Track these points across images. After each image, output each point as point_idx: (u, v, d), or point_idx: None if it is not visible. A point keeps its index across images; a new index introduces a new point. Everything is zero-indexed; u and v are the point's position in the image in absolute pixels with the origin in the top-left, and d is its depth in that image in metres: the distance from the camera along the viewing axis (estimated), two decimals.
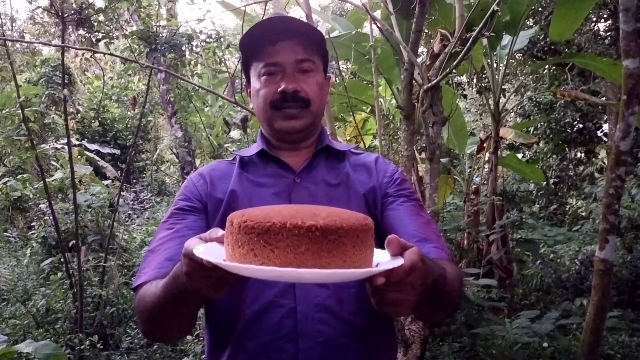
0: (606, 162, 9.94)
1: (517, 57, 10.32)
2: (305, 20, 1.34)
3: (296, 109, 1.24)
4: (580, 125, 10.10)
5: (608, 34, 9.22)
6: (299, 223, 0.71)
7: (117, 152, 11.62)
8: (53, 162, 6.95)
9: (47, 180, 4.75)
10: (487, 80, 6.11)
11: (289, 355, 1.13)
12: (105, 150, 10.98)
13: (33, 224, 7.48)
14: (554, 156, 10.67)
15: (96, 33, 5.03)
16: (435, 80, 3.48)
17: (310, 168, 1.29)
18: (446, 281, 1.00)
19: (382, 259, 0.80)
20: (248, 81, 1.33)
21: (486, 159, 6.42)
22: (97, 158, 9.52)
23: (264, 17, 1.30)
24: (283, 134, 1.28)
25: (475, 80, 9.13)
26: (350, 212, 0.83)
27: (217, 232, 0.83)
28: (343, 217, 0.75)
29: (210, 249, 0.79)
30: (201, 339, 3.85)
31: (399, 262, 0.75)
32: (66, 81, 4.82)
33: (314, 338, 1.13)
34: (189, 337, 4.10)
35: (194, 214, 1.24)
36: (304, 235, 0.71)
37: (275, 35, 1.23)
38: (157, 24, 5.28)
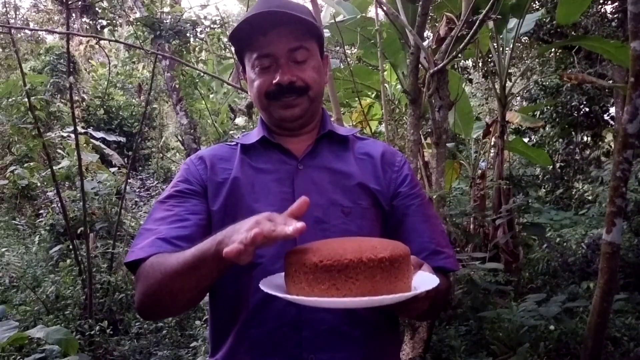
0: (613, 146, 9.88)
1: (523, 40, 10.23)
2: (297, 4, 1.31)
3: (293, 97, 1.22)
4: (587, 109, 10.03)
5: (615, 16, 9.13)
6: (372, 257, 0.85)
7: (123, 139, 11.63)
8: (59, 151, 6.98)
9: (54, 168, 4.77)
10: (493, 64, 6.07)
11: (293, 342, 1.13)
12: (111, 138, 10.99)
13: (41, 211, 7.51)
14: (560, 140, 10.62)
15: (100, 20, 5.01)
16: (441, 64, 3.46)
17: (314, 154, 1.27)
18: (438, 289, 1.09)
19: None
20: (244, 68, 1.30)
21: (492, 143, 6.40)
22: (102, 146, 9.55)
23: (255, 5, 1.26)
24: (282, 122, 1.26)
25: (481, 64, 9.07)
26: (388, 241, 0.95)
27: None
28: (393, 246, 0.89)
29: (270, 283, 0.93)
30: None
31: (434, 280, 0.92)
32: (71, 69, 4.82)
33: (318, 326, 1.14)
34: (197, 322, 4.14)
35: (194, 197, 1.22)
36: (377, 266, 0.84)
37: (265, 25, 1.19)
38: (161, 10, 5.25)
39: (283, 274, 0.95)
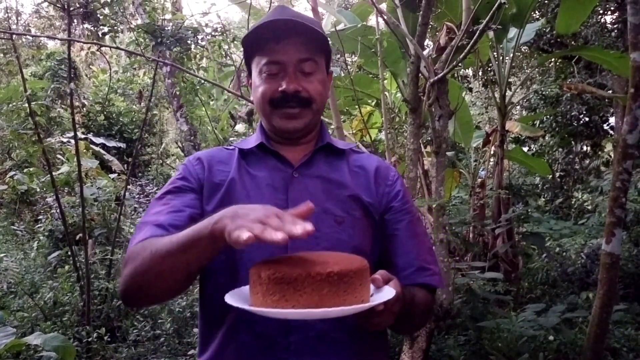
0: (612, 156, 9.89)
1: (523, 50, 10.26)
2: (310, 17, 1.32)
3: (297, 109, 1.23)
4: (587, 119, 10.04)
5: (615, 26, 9.15)
6: (320, 271, 0.88)
7: (123, 145, 11.61)
8: (59, 156, 6.98)
9: (53, 173, 4.77)
10: (493, 73, 6.09)
11: (281, 347, 1.14)
12: (111, 144, 10.97)
13: (40, 217, 7.49)
14: (560, 149, 10.62)
15: (102, 27, 5.03)
16: (441, 74, 3.46)
17: (310, 164, 1.28)
18: (414, 304, 1.17)
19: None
20: (250, 73, 1.32)
21: (492, 152, 6.40)
22: (102, 152, 9.54)
23: (270, 12, 1.28)
24: (283, 132, 1.27)
25: (481, 73, 9.10)
26: (348, 255, 1.00)
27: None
28: (347, 261, 0.94)
29: (237, 294, 0.97)
30: None
31: (392, 293, 0.94)
32: (72, 75, 4.83)
33: (306, 331, 1.14)
34: (195, 330, 4.13)
35: (191, 193, 1.24)
36: (325, 280, 0.88)
37: (280, 33, 1.21)
38: (163, 17, 5.26)
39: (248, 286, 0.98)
